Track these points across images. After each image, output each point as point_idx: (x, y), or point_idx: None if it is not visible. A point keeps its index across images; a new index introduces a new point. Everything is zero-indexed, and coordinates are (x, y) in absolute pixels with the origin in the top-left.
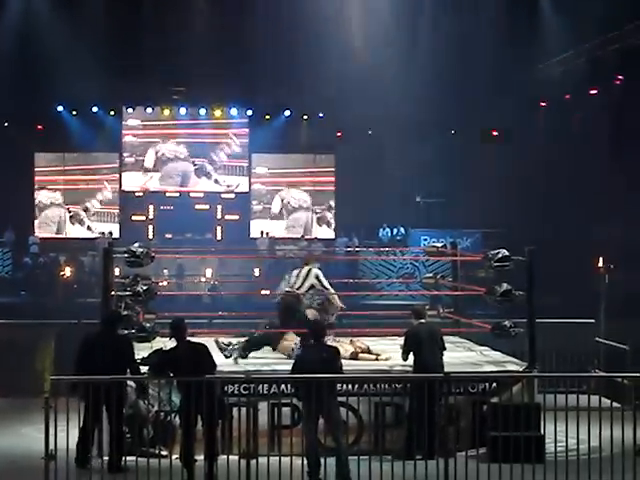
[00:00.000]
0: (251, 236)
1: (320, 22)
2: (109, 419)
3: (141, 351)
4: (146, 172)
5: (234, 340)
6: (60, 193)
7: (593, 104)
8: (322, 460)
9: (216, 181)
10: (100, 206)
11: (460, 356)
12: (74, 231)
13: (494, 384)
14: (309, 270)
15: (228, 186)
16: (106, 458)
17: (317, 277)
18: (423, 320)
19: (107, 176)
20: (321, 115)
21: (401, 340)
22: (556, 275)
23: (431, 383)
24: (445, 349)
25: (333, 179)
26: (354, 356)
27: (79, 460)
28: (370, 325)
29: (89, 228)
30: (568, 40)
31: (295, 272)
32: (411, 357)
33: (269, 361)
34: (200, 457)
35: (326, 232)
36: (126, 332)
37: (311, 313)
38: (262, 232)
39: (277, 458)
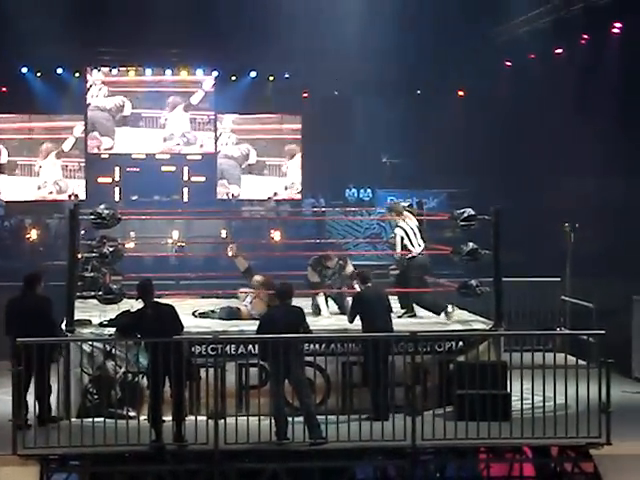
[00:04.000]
0: (217, 197)
1: None
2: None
3: (108, 313)
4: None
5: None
6: (24, 155)
7: (558, 63)
8: (290, 419)
9: (182, 143)
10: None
11: (427, 315)
12: (38, 194)
13: (460, 343)
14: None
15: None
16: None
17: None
18: (369, 284)
19: (71, 137)
20: (287, 76)
21: None
22: (521, 234)
23: (384, 343)
24: (392, 311)
25: (299, 138)
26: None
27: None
28: None
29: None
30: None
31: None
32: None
33: (237, 322)
34: (168, 418)
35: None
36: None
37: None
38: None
39: (245, 418)
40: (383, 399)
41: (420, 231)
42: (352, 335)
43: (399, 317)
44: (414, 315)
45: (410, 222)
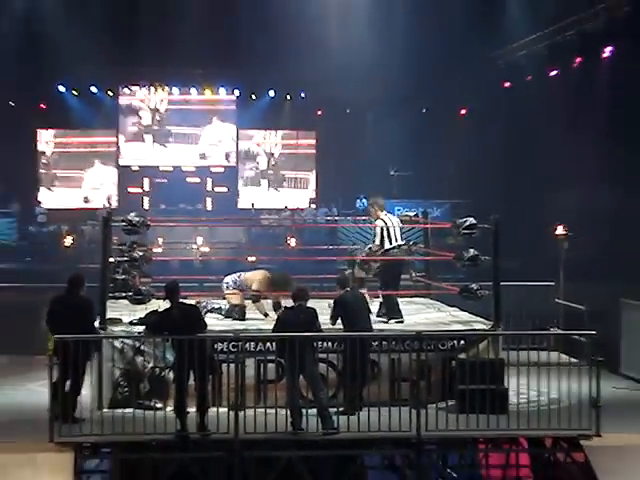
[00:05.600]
0: (238, 207)
1: (302, 11)
2: (74, 376)
3: (137, 312)
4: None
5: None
6: (61, 167)
7: (553, 84)
8: (304, 411)
9: (204, 156)
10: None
11: (431, 316)
12: (74, 202)
13: (462, 341)
14: None
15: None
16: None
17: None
18: (348, 288)
19: (105, 150)
20: (302, 95)
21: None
22: (519, 241)
23: (363, 342)
24: (371, 312)
25: (314, 153)
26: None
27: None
28: None
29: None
30: (530, 25)
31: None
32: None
33: (255, 322)
34: (192, 409)
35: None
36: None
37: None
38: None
39: (263, 410)
40: (358, 394)
41: (401, 230)
42: (361, 334)
43: (384, 322)
44: (402, 321)
45: (392, 218)
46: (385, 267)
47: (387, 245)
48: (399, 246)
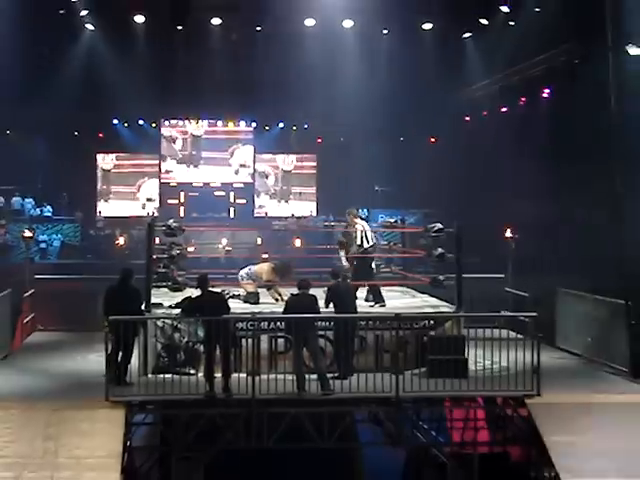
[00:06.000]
0: (255, 215)
1: (305, 62)
2: (125, 348)
3: (175, 298)
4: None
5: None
6: (115, 184)
7: (503, 118)
8: (307, 377)
9: (231, 175)
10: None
11: (407, 302)
12: (126, 211)
13: (432, 322)
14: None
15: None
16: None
17: None
18: (339, 279)
19: (150, 170)
20: (306, 126)
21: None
22: (477, 242)
23: (348, 322)
24: (357, 298)
25: (315, 172)
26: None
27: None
28: None
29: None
30: (485, 71)
31: None
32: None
33: (268, 305)
34: (218, 375)
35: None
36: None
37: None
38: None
39: (274, 375)
40: (347, 363)
41: (372, 232)
42: (352, 316)
43: (371, 307)
44: (384, 305)
45: (364, 224)
46: (361, 262)
47: (365, 245)
48: (373, 245)
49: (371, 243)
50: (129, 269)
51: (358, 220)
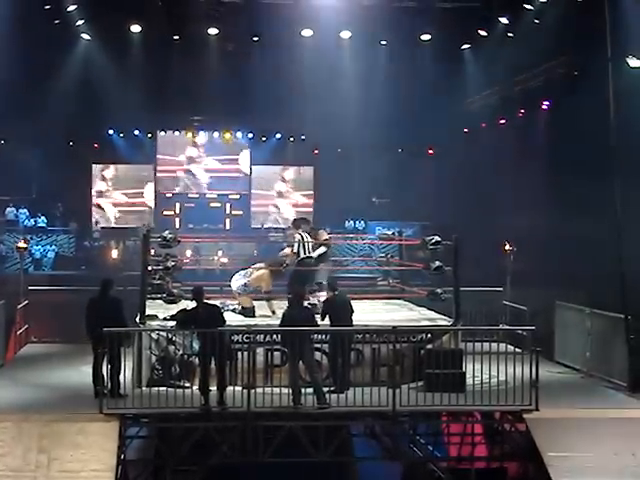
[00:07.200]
0: (251, 227)
1: (301, 74)
2: (111, 360)
3: (170, 310)
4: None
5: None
6: (109, 193)
7: (501, 130)
8: (303, 390)
9: (227, 186)
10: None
11: (404, 315)
12: (121, 222)
13: (429, 335)
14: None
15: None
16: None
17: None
18: (336, 292)
19: (144, 181)
20: (303, 137)
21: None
22: (475, 255)
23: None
24: (353, 312)
25: (312, 184)
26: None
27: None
28: None
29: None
30: (483, 83)
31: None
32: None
33: (264, 318)
34: (213, 388)
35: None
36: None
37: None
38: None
39: (270, 388)
40: (342, 377)
41: (312, 246)
42: (348, 329)
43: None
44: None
45: (307, 236)
46: (297, 272)
47: (302, 254)
48: (310, 257)
49: (309, 254)
50: (109, 279)
51: (300, 232)
